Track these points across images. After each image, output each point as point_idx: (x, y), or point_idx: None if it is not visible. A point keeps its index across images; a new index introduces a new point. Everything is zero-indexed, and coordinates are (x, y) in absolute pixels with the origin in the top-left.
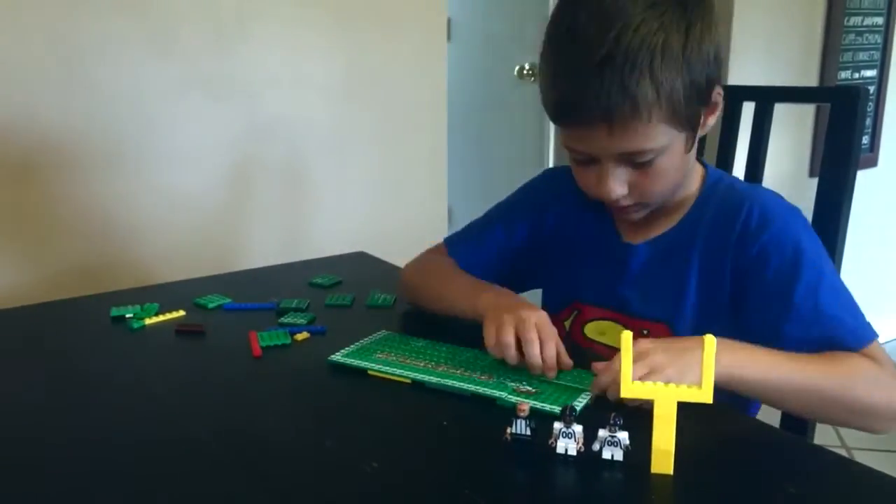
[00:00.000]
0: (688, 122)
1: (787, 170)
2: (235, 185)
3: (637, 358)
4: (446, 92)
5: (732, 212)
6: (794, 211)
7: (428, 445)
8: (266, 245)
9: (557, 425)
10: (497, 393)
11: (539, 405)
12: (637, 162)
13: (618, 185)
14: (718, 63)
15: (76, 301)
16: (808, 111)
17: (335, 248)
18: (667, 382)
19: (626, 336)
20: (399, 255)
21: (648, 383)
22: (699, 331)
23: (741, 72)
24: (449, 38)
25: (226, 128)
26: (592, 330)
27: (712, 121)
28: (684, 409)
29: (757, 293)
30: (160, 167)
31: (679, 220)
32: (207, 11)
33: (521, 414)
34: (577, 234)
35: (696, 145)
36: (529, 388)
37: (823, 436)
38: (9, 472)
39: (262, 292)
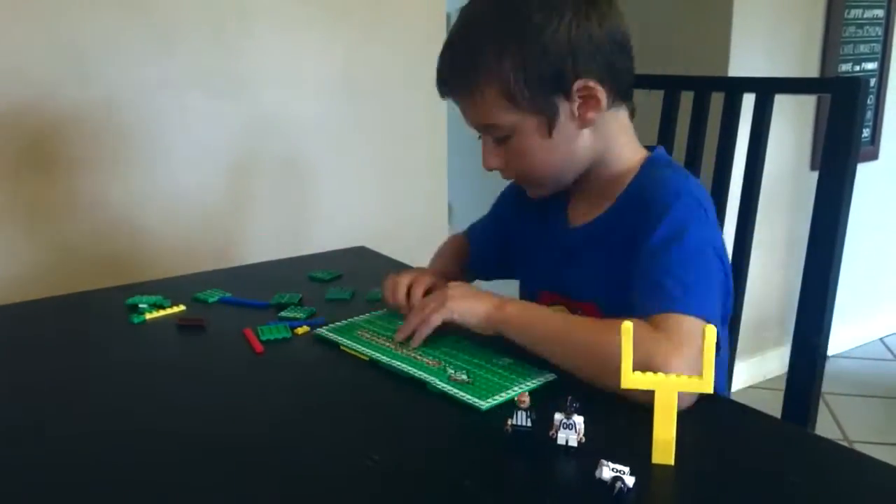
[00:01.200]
0: (532, 108)
1: (789, 163)
2: (236, 181)
3: (439, 294)
4: None
5: (643, 191)
6: (683, 188)
7: (429, 437)
8: (266, 240)
9: (558, 416)
10: (429, 378)
11: (461, 395)
12: (496, 137)
13: (490, 157)
14: (580, 56)
15: (77, 296)
16: (809, 106)
17: (335, 243)
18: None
19: (627, 327)
20: (399, 251)
21: (649, 374)
22: (623, 306)
23: (742, 64)
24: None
25: (226, 124)
26: None
27: (593, 115)
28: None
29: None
30: (160, 163)
31: (611, 204)
32: (208, 9)
33: (522, 405)
34: (537, 224)
35: (585, 132)
36: (464, 378)
37: (825, 429)
38: (10, 462)
39: (261, 287)
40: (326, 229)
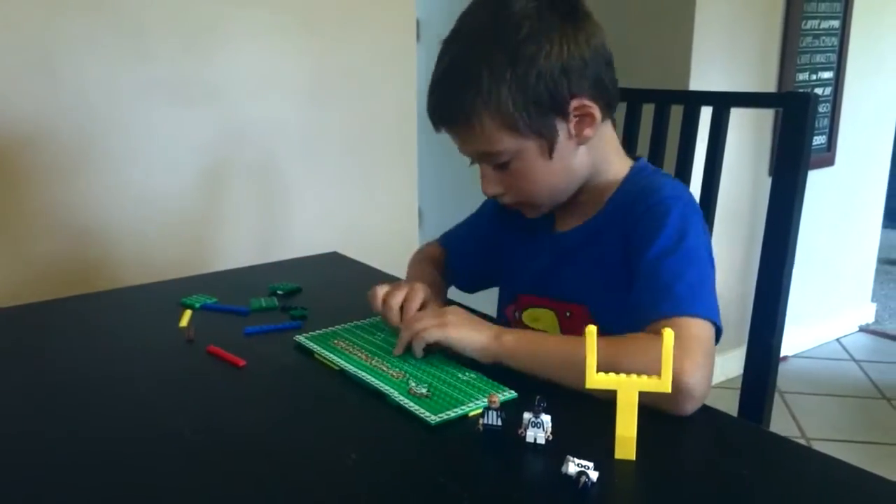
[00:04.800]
0: (533, 131)
1: (748, 169)
2: (209, 187)
3: (436, 314)
4: (416, 93)
5: (637, 196)
6: (679, 193)
7: (404, 437)
8: (239, 247)
9: (527, 415)
10: (389, 390)
11: (415, 408)
12: (496, 164)
13: (490, 184)
14: (573, 76)
15: (51, 303)
16: (768, 113)
17: (307, 249)
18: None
19: (591, 330)
20: (371, 255)
21: (612, 374)
22: (614, 310)
23: (703, 74)
24: (418, 39)
25: (198, 131)
26: (528, 317)
27: (590, 132)
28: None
29: (630, 260)
30: (134, 170)
31: (600, 209)
32: (179, 16)
33: (493, 406)
34: (522, 232)
35: (579, 147)
36: (424, 392)
37: (783, 427)
38: None
39: (235, 294)
40: (298, 235)
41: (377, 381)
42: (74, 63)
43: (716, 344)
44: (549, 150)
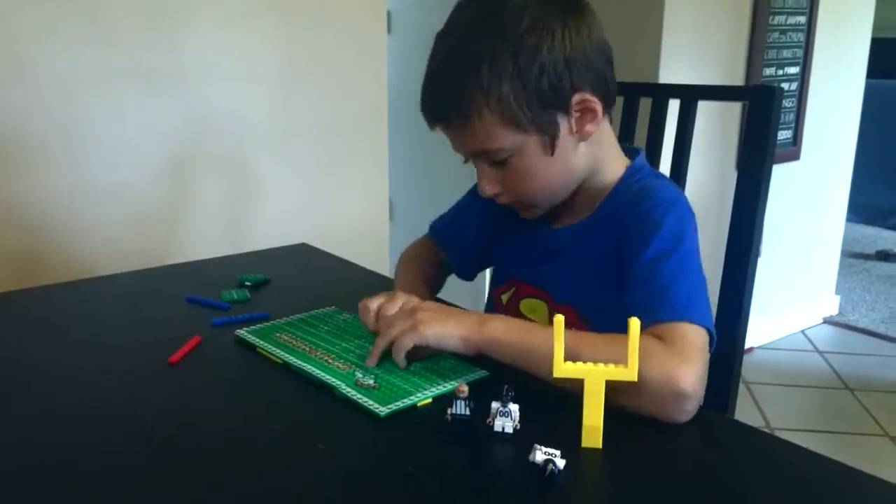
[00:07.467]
0: (535, 127)
1: (716, 162)
2: (176, 177)
3: (406, 315)
4: (387, 84)
5: (631, 198)
6: (676, 197)
7: (373, 427)
8: (207, 238)
9: (495, 405)
10: (336, 382)
11: (363, 400)
12: (494, 161)
13: (486, 183)
14: (575, 70)
15: (11, 294)
16: (736, 107)
17: (277, 240)
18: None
19: (559, 320)
20: (340, 247)
21: (579, 363)
22: (603, 311)
23: (673, 69)
24: (389, 30)
25: (166, 120)
26: (525, 307)
27: (592, 128)
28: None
29: (624, 260)
30: (100, 159)
31: (595, 209)
32: (146, 4)
33: (461, 395)
34: (515, 217)
35: (578, 145)
36: (371, 384)
37: (749, 417)
38: None
39: (205, 285)
40: (267, 226)
41: (323, 374)
42: (37, 51)
43: (710, 351)
44: (551, 145)
